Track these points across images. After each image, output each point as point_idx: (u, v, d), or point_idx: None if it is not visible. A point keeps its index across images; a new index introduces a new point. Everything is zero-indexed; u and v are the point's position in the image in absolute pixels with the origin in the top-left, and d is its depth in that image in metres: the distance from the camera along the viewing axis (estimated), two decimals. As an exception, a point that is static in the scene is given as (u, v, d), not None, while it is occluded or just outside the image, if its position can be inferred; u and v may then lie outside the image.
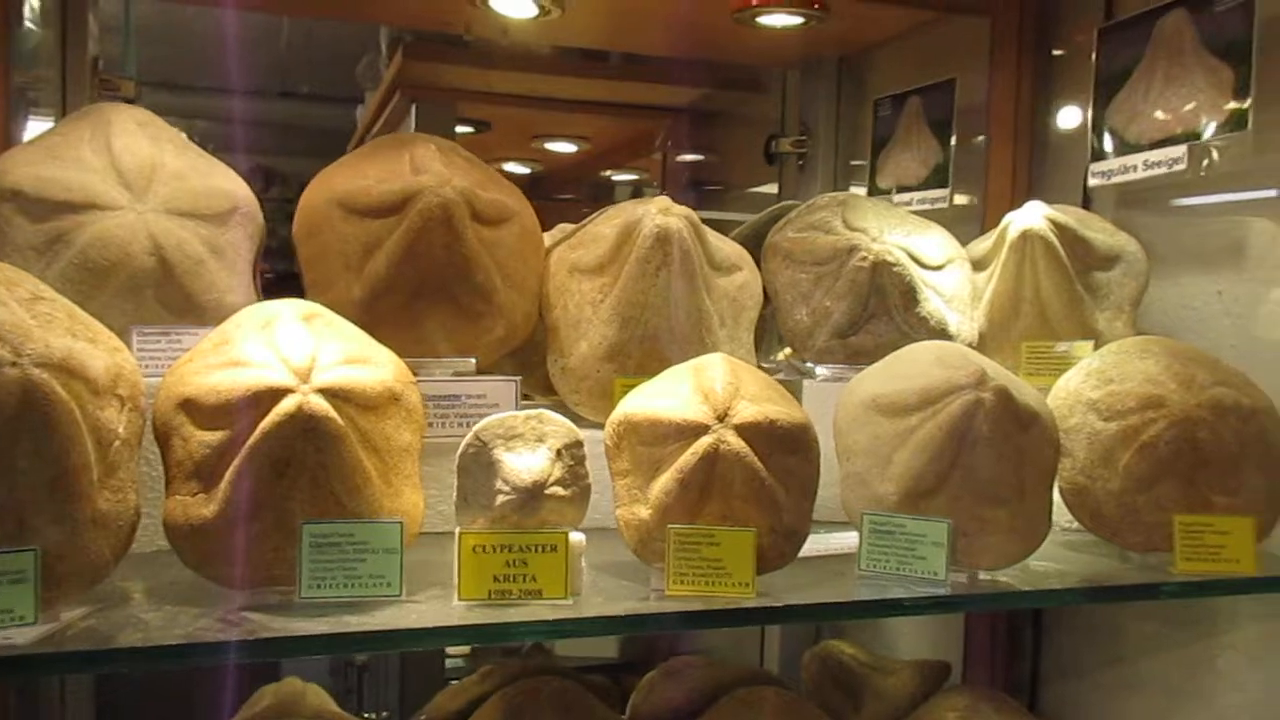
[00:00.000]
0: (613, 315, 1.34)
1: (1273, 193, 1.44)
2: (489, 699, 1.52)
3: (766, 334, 1.77)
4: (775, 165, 2.43)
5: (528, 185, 4.01)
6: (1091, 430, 1.26)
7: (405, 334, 1.29)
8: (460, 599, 0.99)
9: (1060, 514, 1.40)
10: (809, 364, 1.50)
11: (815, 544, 1.29)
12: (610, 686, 1.66)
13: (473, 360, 1.34)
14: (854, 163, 2.31)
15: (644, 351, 1.34)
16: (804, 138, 2.35)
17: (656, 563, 1.07)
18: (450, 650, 3.07)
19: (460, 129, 3.03)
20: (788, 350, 1.67)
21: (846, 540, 1.26)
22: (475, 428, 1.03)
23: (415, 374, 1.22)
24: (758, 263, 1.51)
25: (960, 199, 1.93)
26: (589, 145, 3.45)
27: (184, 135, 1.34)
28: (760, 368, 1.47)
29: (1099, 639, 1.67)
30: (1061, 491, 1.30)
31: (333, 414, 0.99)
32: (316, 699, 1.55)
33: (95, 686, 1.96)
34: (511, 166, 3.78)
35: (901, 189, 2.03)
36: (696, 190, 3.25)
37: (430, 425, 1.27)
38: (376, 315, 1.27)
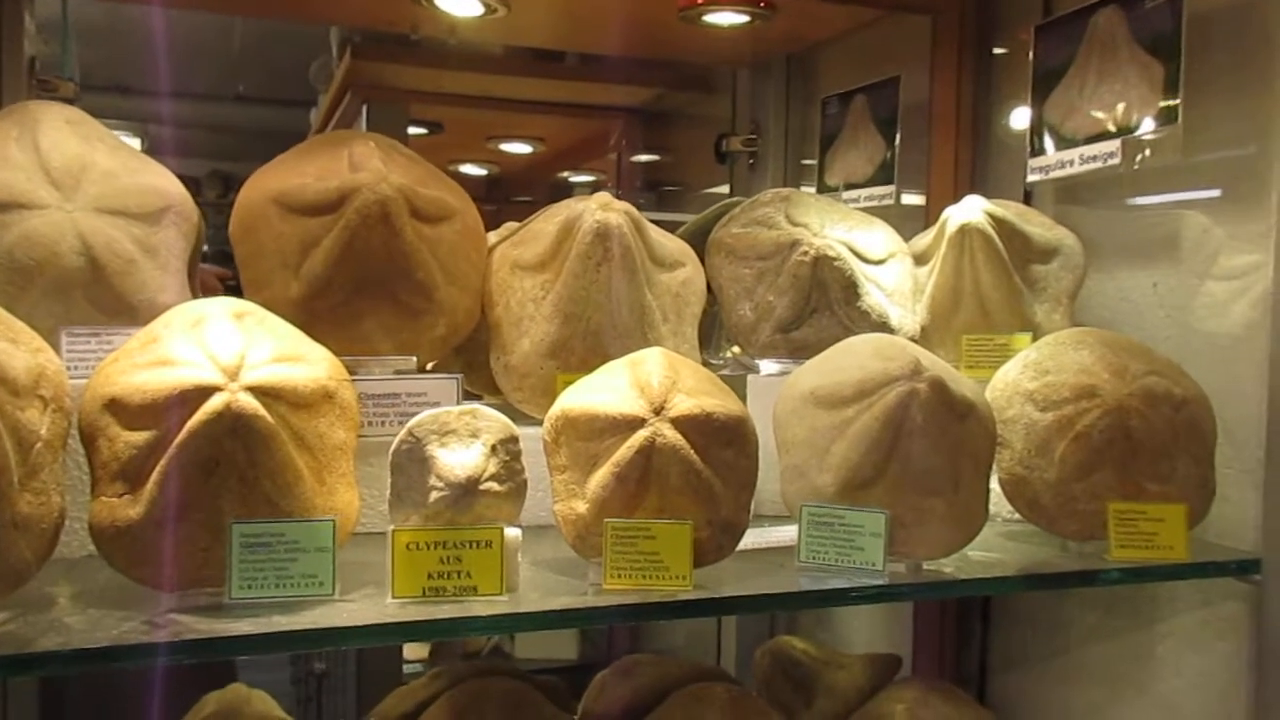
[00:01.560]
0: (554, 312, 1.34)
1: (1205, 189, 1.47)
2: (437, 700, 1.51)
3: (714, 332, 1.77)
4: (726, 164, 2.44)
5: (484, 187, 4.00)
6: (1029, 421, 1.28)
7: (345, 332, 1.28)
8: (394, 597, 0.98)
9: (1000, 505, 1.41)
10: (754, 360, 1.51)
11: (756, 537, 1.30)
12: (561, 687, 1.65)
13: (414, 358, 1.33)
14: (804, 161, 2.33)
15: (587, 348, 1.34)
16: (754, 136, 2.36)
17: (595, 557, 1.07)
18: (409, 655, 3.05)
19: (413, 130, 3.02)
20: (736, 349, 1.67)
21: (787, 534, 1.26)
22: (409, 424, 1.02)
23: (355, 372, 1.21)
24: (703, 260, 1.52)
25: (906, 196, 1.95)
26: (544, 146, 3.44)
27: (119, 136, 1.32)
28: (707, 365, 1.47)
29: (1044, 630, 1.69)
30: (1000, 482, 1.31)
31: (262, 412, 0.97)
32: (262, 704, 1.53)
33: (40, 700, 1.92)
34: (468, 168, 3.77)
35: (849, 186, 2.05)
36: (651, 191, 3.26)
37: (370, 424, 1.26)
38: (315, 314, 1.26)
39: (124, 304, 1.20)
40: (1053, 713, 1.65)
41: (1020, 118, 1.75)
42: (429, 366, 1.40)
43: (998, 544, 1.33)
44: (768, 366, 1.47)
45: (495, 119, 3.12)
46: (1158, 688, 1.47)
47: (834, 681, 1.81)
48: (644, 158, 3.24)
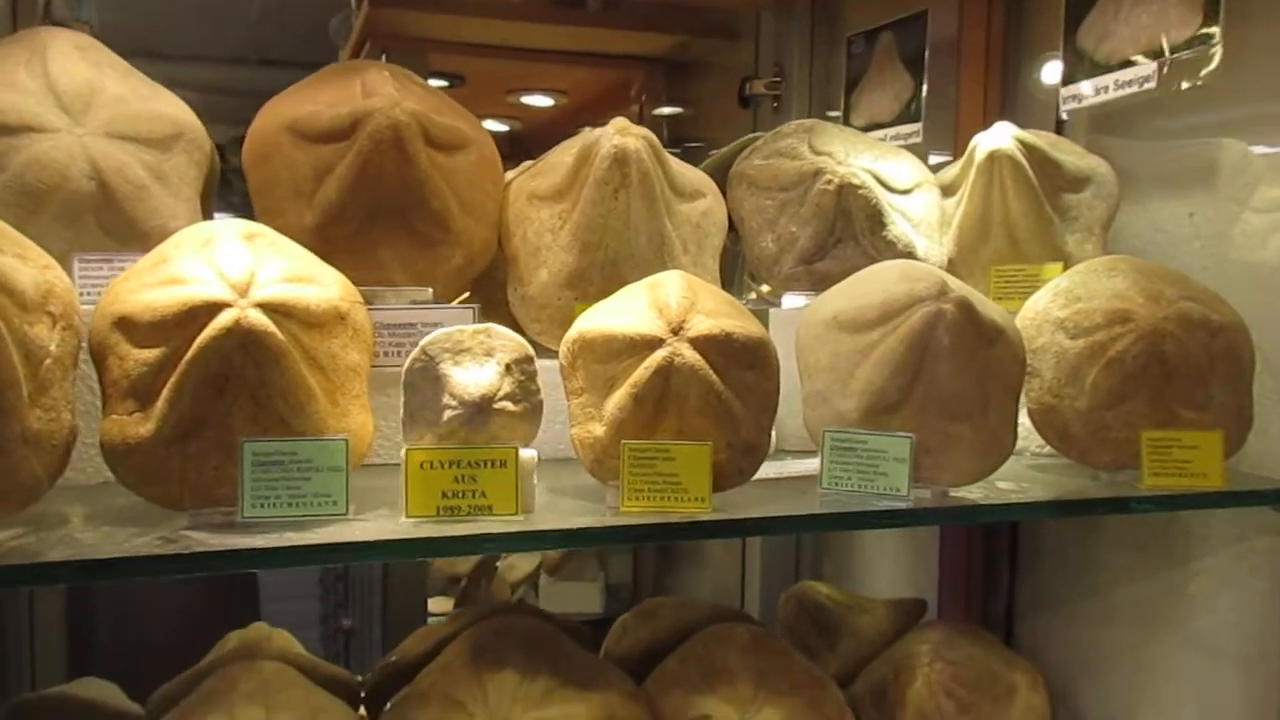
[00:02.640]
0: (572, 241, 1.31)
1: (1244, 115, 1.41)
2: (457, 637, 1.50)
3: (736, 272, 1.74)
4: (750, 108, 2.40)
5: (506, 144, 3.96)
6: (1059, 349, 1.24)
7: (359, 262, 1.26)
8: (408, 516, 0.97)
9: (1029, 439, 1.38)
10: (777, 298, 1.48)
11: (778, 469, 1.28)
12: (584, 630, 1.64)
13: (429, 290, 1.31)
14: (830, 112, 2.28)
15: (605, 277, 1.31)
16: (778, 79, 2.31)
17: (612, 481, 1.05)
18: (434, 609, 3.06)
19: (433, 82, 2.98)
20: (765, 288, 1.64)
21: (810, 466, 1.24)
22: (422, 342, 1.00)
23: (370, 302, 1.19)
24: (725, 195, 1.48)
25: (934, 134, 1.90)
26: (566, 99, 3.40)
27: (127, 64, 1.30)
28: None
29: (1073, 572, 1.66)
30: (1030, 413, 1.28)
31: (272, 329, 0.96)
32: (283, 641, 1.53)
33: (66, 638, 1.94)
34: (489, 124, 3.74)
35: (875, 126, 2.00)
36: (674, 145, 3.21)
37: (385, 354, 1.24)
38: (329, 243, 1.24)
39: (136, 230, 1.19)
40: (1082, 655, 1.62)
41: (1053, 50, 1.69)
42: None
43: (1026, 476, 1.30)
44: (790, 300, 1.44)
45: (516, 70, 3.08)
46: (1190, 626, 1.44)
47: (858, 625, 1.79)
48: (667, 110, 3.19)
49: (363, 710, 1.51)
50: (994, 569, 1.83)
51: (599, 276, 1.32)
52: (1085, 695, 1.61)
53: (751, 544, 2.71)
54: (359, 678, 1.56)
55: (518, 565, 3.35)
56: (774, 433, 1.38)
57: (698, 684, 1.48)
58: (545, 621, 1.55)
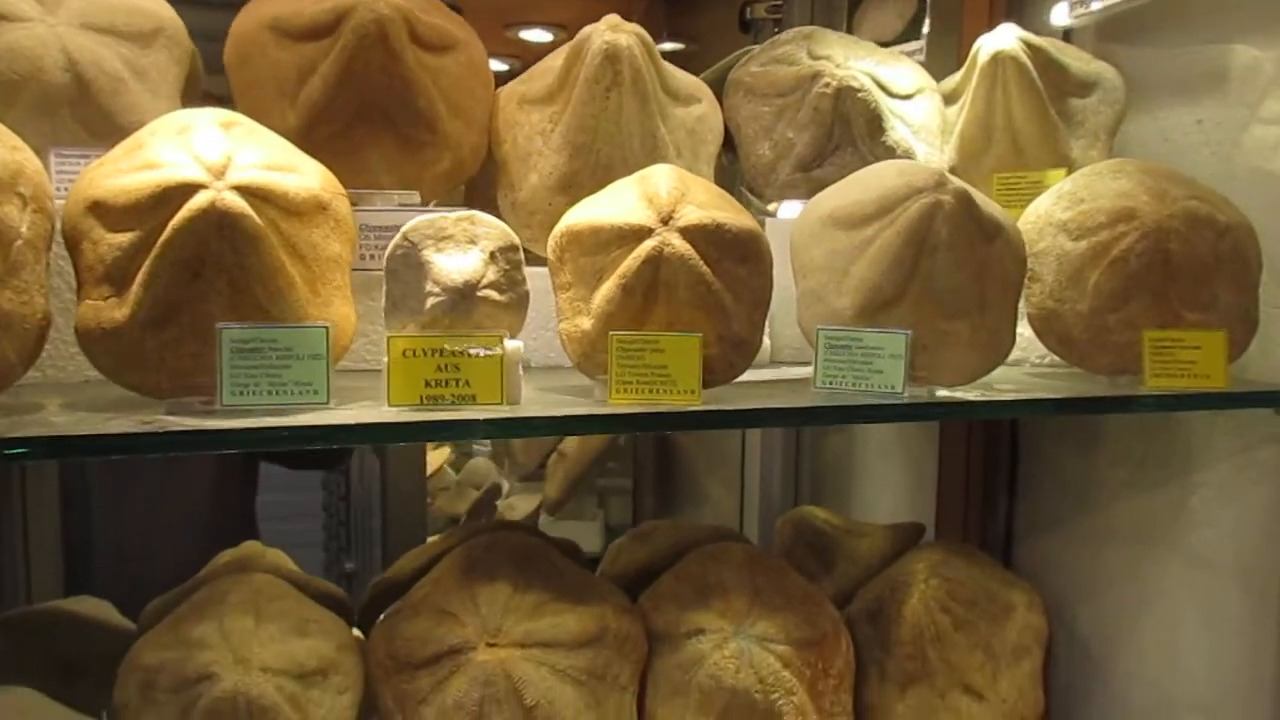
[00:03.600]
0: (563, 144, 1.28)
1: (1253, 16, 1.37)
2: (449, 553, 1.49)
3: (733, 190, 1.71)
4: (751, 33, 2.35)
5: (505, 82, 3.91)
6: (1061, 251, 1.21)
7: (345, 164, 1.22)
8: (390, 405, 0.95)
9: (1029, 349, 1.36)
10: (775, 209, 1.45)
11: (772, 374, 1.25)
12: (577, 548, 1.63)
13: (416, 194, 1.28)
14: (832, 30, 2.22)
15: (597, 181, 1.28)
16: (779, 3, 2.26)
17: (600, 375, 1.03)
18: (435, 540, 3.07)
19: (429, 16, 2.93)
20: (770, 207, 1.61)
21: (805, 372, 1.22)
22: (403, 228, 0.98)
23: (355, 205, 1.16)
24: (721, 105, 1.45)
25: (937, 53, 1.85)
26: (565, 34, 3.34)
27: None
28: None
29: (1072, 493, 1.64)
30: (1030, 319, 1.25)
31: (249, 211, 0.93)
32: (276, 558, 1.52)
33: (63, 563, 1.94)
34: (490, 64, 3.67)
35: (879, 45, 1.95)
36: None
37: (371, 257, 1.22)
38: (314, 144, 1.20)
39: (113, 125, 1.16)
40: (1080, 576, 1.61)
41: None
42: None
43: (1026, 383, 1.28)
44: (787, 210, 1.41)
45: (514, 2, 3.03)
46: (1190, 540, 1.42)
47: (855, 549, 1.77)
48: (668, 46, 3.14)
49: (357, 632, 1.50)
50: (992, 493, 1.81)
51: (590, 180, 1.28)
52: (1083, 616, 1.60)
53: (750, 481, 2.71)
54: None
55: (517, 506, 3.36)
56: (768, 341, 1.35)
57: (692, 599, 1.46)
58: (538, 538, 1.54)
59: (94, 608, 1.56)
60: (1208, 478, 1.40)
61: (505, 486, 3.46)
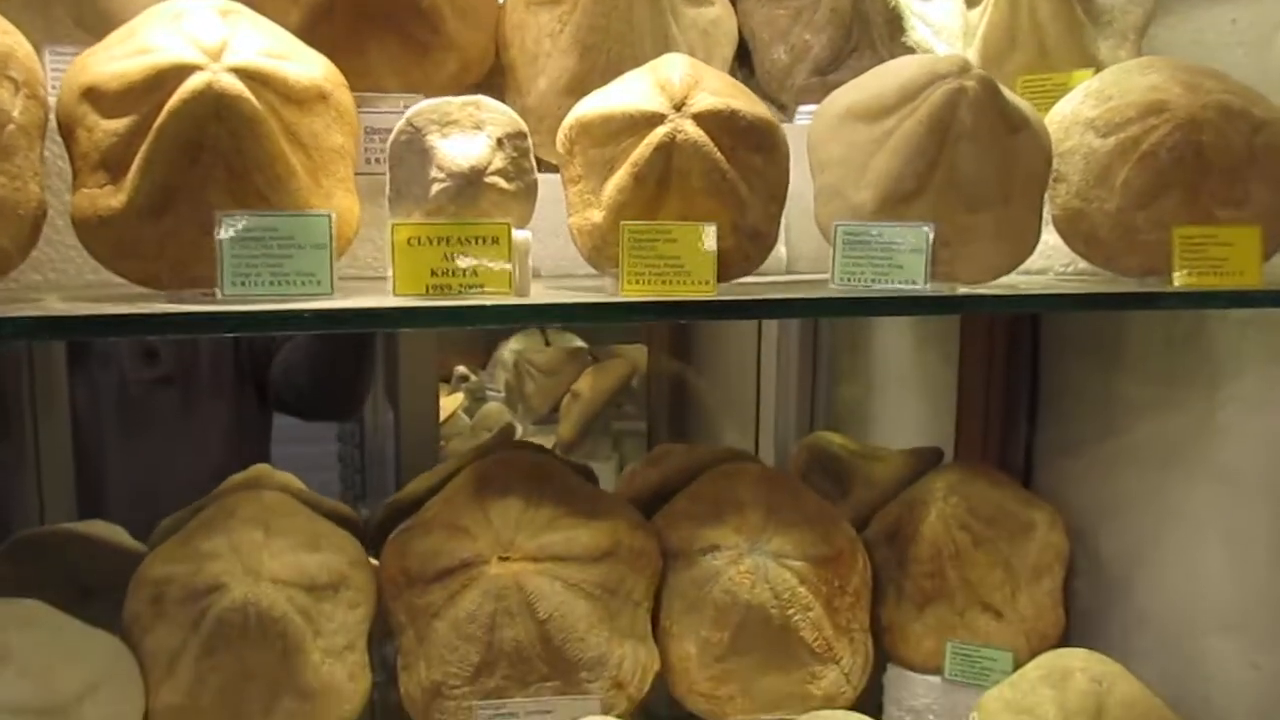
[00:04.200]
0: (572, 44, 1.24)
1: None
2: (460, 472, 1.48)
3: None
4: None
5: None
6: (1088, 149, 1.17)
7: (349, 65, 1.18)
8: (395, 295, 0.92)
9: (1054, 257, 1.32)
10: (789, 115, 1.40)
11: (788, 279, 1.22)
12: (590, 470, 1.61)
13: (421, 97, 1.24)
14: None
15: (607, 84, 1.24)
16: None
17: (611, 269, 1.00)
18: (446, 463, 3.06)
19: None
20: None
21: (823, 279, 1.18)
22: (407, 114, 0.94)
23: (359, 106, 1.13)
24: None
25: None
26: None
27: None
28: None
29: (1094, 414, 1.60)
30: (1055, 221, 1.21)
31: (246, 94, 0.90)
32: (286, 478, 1.51)
33: (76, 490, 1.93)
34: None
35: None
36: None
37: (376, 161, 1.19)
38: (316, 43, 1.16)
39: (109, 25, 1.11)
40: (1101, 498, 1.58)
41: None
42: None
43: (1048, 284, 1.24)
44: (804, 115, 1.36)
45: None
46: (1214, 457, 1.38)
47: (871, 473, 1.75)
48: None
49: (372, 561, 1.47)
50: (1012, 419, 1.78)
51: (600, 83, 1.23)
52: (1104, 538, 1.57)
53: (765, 421, 2.68)
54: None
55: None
56: (783, 250, 1.32)
57: (706, 517, 1.45)
58: (550, 457, 1.52)
59: (106, 530, 1.55)
60: (1235, 392, 1.36)
61: (519, 430, 3.45)
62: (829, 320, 2.47)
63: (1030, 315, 1.72)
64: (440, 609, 1.31)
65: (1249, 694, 1.33)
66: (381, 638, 1.40)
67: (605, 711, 1.29)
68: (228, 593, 1.21)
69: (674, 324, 3.26)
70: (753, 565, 1.38)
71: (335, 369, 2.04)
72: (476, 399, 3.82)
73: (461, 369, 3.91)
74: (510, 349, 3.89)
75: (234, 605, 1.20)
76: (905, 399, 2.16)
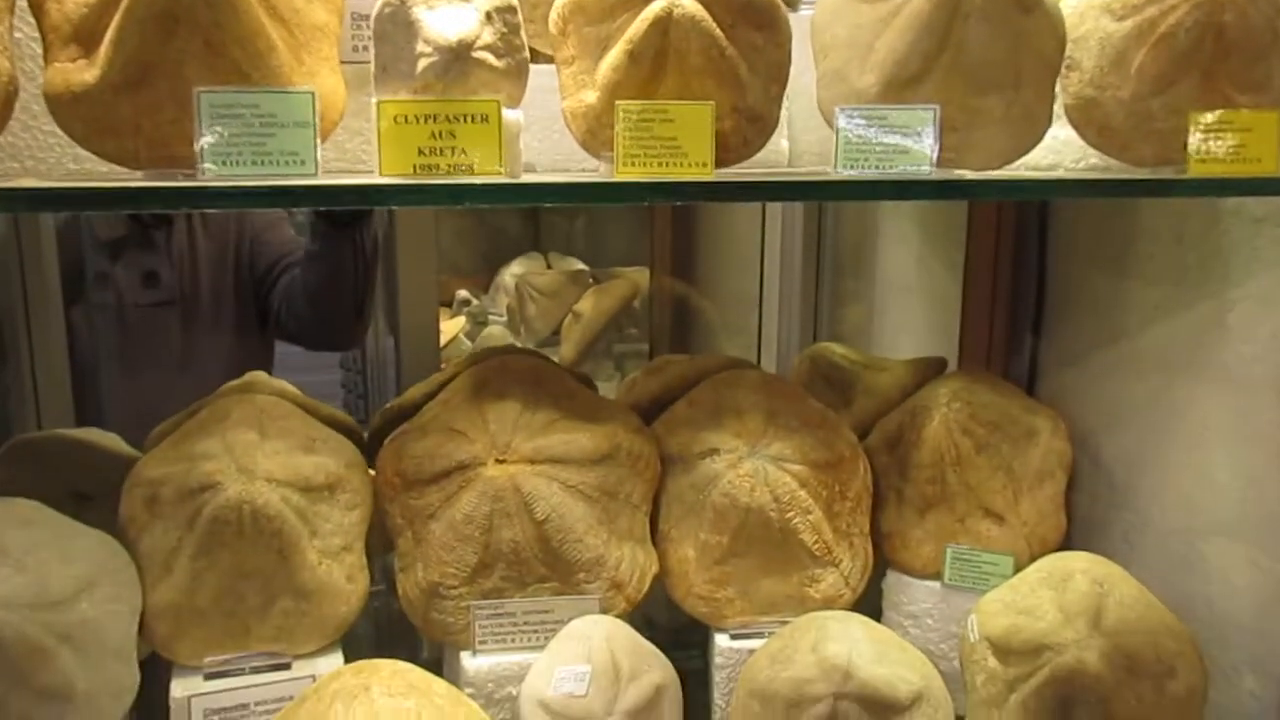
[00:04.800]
0: (566, -74, 1.19)
1: None
2: (457, 377, 1.46)
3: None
4: None
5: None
6: (1103, 34, 1.12)
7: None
8: (382, 175, 0.89)
9: (1064, 154, 1.28)
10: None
11: (790, 175, 1.19)
12: (589, 379, 1.59)
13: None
14: None
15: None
16: None
17: (606, 152, 0.97)
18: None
19: None
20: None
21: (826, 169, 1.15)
22: (391, -16, 0.90)
23: (345, -10, 1.08)
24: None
25: None
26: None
27: None
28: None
29: (1100, 322, 1.57)
30: (1067, 110, 1.17)
31: (222, -40, 0.86)
32: (282, 385, 1.49)
33: (75, 406, 1.92)
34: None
35: None
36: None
37: (363, 49, 1.15)
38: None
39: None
40: (1106, 405, 1.56)
41: None
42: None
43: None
44: (808, 7, 1.31)
45: None
46: (1223, 359, 1.36)
47: (874, 383, 1.73)
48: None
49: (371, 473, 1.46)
50: (1017, 330, 1.75)
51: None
52: (1108, 445, 1.55)
53: (767, 340, 2.66)
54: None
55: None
56: (785, 144, 1.28)
57: (706, 422, 1.43)
58: (548, 362, 1.50)
59: (103, 438, 1.54)
60: (1247, 291, 1.33)
61: (520, 353, 3.43)
62: (832, 234, 2.44)
63: (1038, 219, 1.69)
64: (437, 510, 1.30)
65: (1250, 595, 1.32)
66: (383, 550, 1.39)
67: (604, 612, 1.29)
68: (222, 491, 1.20)
69: (676, 244, 3.22)
70: (752, 469, 1.36)
71: (336, 297, 2.00)
72: (478, 323, 3.80)
73: (463, 293, 3.89)
74: (511, 273, 3.86)
75: (228, 504, 1.19)
76: (909, 312, 2.13)
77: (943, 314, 1.91)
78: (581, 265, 3.65)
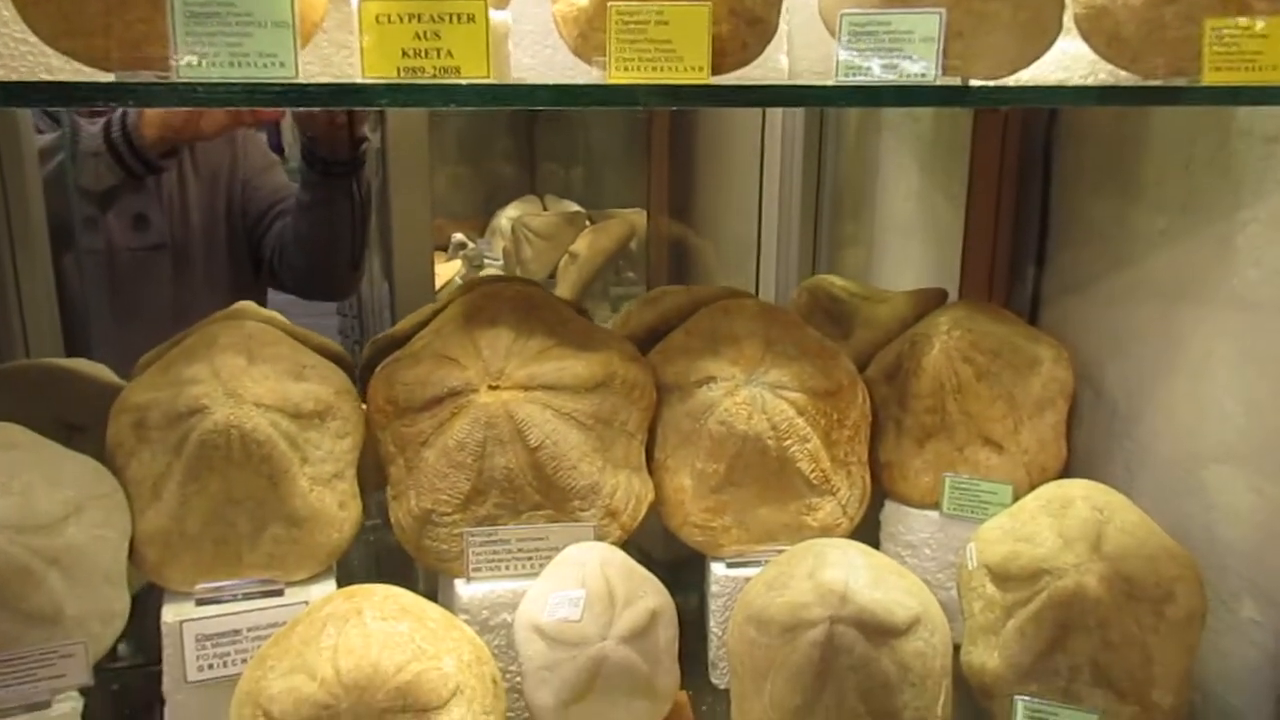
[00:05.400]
0: None
1: None
2: (449, 305, 1.43)
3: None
4: None
5: None
6: (1115, -60, 1.08)
7: None
8: (365, 78, 0.85)
9: (1071, 70, 1.24)
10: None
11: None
12: (585, 310, 1.57)
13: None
14: None
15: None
16: None
17: (598, 57, 0.93)
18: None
19: None
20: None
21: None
22: (371, -124, 0.86)
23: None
24: None
25: None
26: None
27: None
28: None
29: (1105, 250, 1.55)
30: (1076, 20, 1.13)
31: None
32: (268, 313, 1.46)
33: (63, 327, 1.89)
34: None
35: None
36: None
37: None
38: None
39: None
40: (1110, 334, 1.54)
41: None
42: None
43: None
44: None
45: None
46: (1231, 284, 1.33)
47: (874, 315, 1.71)
48: None
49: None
50: (1020, 262, 1.73)
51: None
52: (1111, 375, 1.53)
53: (765, 271, 2.63)
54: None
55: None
56: (785, 60, 1.24)
57: (703, 351, 1.41)
58: (541, 290, 1.48)
59: (91, 369, 1.52)
60: (1257, 213, 1.30)
61: (517, 296, 3.40)
62: (832, 172, 2.40)
63: (1042, 149, 1.65)
64: (429, 437, 1.29)
65: (1251, 521, 1.31)
66: (377, 486, 1.37)
67: (599, 540, 1.28)
68: (209, 415, 1.18)
69: (673, 187, 3.18)
70: (749, 396, 1.34)
71: (328, 248, 1.96)
72: (474, 266, 3.76)
73: (458, 236, 3.85)
74: (507, 215, 3.82)
75: (216, 428, 1.17)
76: (909, 249, 2.10)
77: (944, 249, 1.88)
78: (577, 208, 3.60)
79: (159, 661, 1.17)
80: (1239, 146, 1.30)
